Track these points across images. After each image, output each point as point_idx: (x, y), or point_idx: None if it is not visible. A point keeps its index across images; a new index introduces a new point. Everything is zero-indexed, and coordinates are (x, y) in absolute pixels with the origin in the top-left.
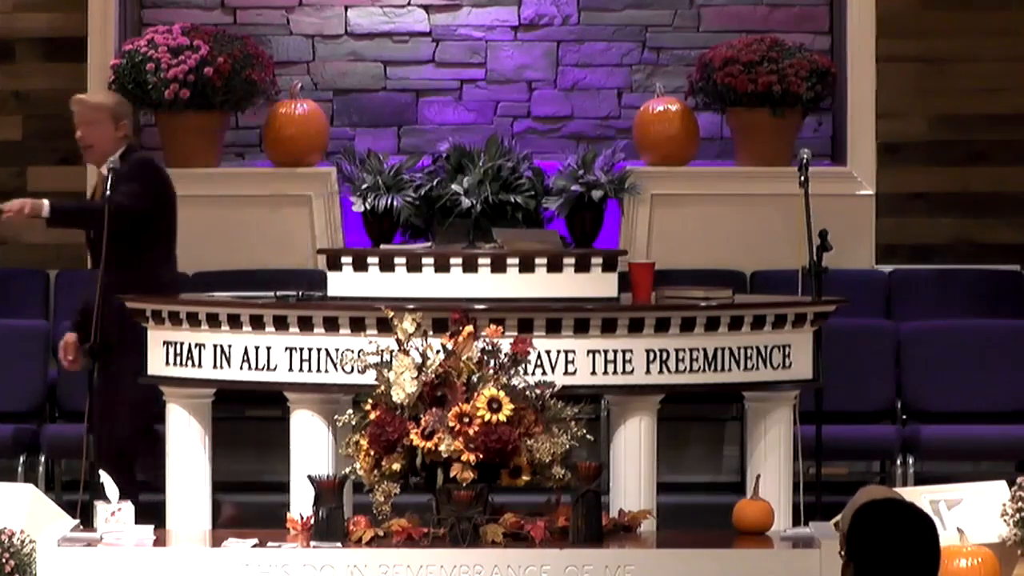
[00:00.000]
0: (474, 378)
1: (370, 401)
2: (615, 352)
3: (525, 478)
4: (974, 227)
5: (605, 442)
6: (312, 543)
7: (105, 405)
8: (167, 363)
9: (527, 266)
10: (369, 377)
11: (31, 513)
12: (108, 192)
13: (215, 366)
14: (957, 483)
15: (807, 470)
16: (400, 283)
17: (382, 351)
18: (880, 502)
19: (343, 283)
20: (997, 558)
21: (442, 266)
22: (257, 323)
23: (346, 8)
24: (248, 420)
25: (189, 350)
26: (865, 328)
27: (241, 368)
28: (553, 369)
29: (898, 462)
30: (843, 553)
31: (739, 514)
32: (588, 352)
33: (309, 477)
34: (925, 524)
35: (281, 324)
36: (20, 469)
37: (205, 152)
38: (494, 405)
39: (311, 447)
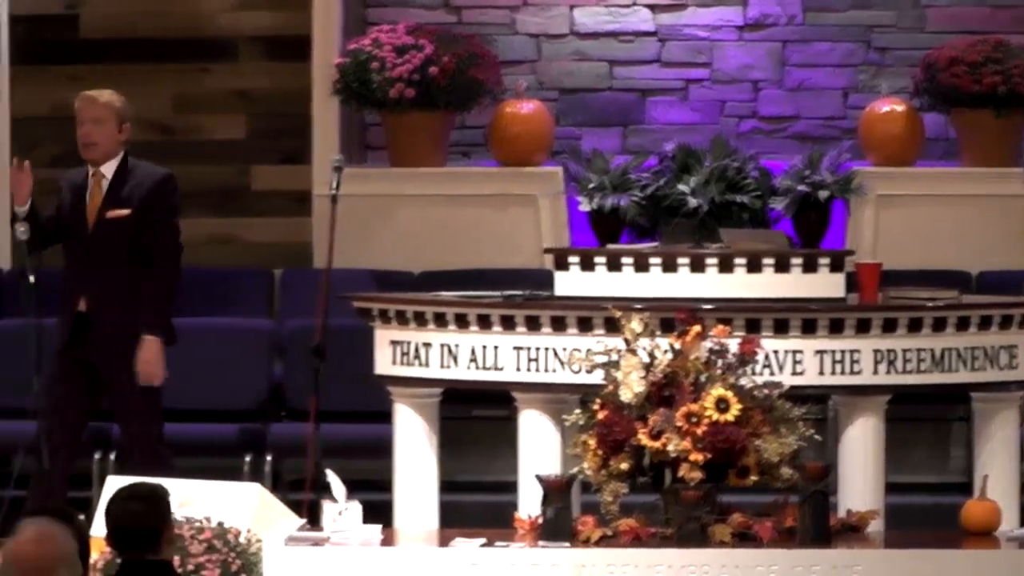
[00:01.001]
0: (702, 378)
1: (598, 401)
2: (842, 352)
3: (753, 478)
4: None
5: (832, 442)
6: (540, 543)
7: (140, 404)
8: (394, 362)
9: (754, 266)
10: (597, 377)
11: (257, 512)
12: (105, 199)
13: (442, 365)
14: None
15: None
16: (627, 283)
17: (610, 351)
18: None
19: (570, 283)
20: None
21: (670, 266)
22: (484, 323)
23: (571, 7)
24: (475, 420)
25: (416, 349)
26: None
27: (468, 368)
28: (780, 369)
29: None
30: None
31: (966, 515)
32: (815, 352)
33: (537, 477)
34: None
35: (508, 324)
36: (246, 468)
37: (430, 152)
38: (722, 405)
39: (539, 447)
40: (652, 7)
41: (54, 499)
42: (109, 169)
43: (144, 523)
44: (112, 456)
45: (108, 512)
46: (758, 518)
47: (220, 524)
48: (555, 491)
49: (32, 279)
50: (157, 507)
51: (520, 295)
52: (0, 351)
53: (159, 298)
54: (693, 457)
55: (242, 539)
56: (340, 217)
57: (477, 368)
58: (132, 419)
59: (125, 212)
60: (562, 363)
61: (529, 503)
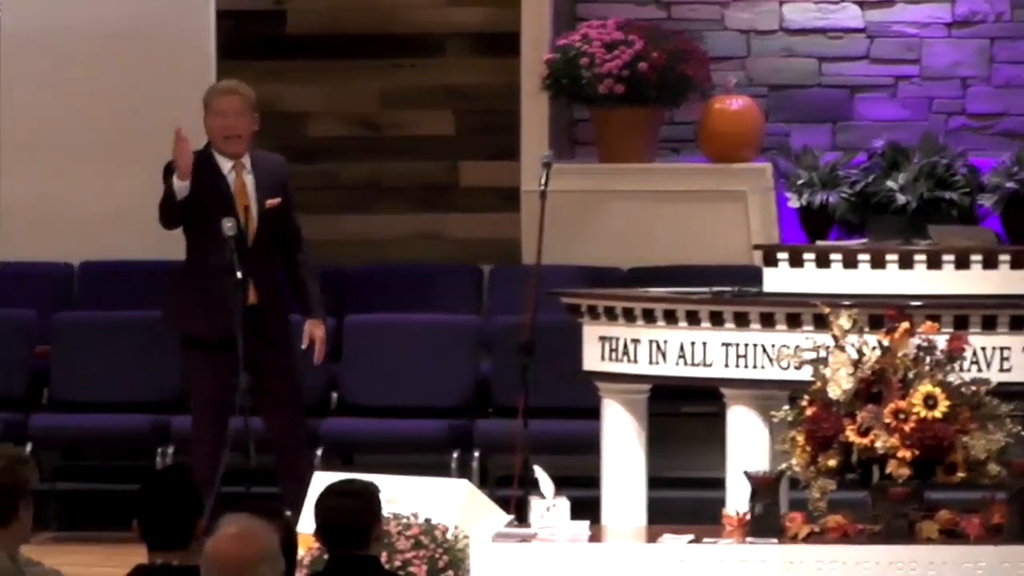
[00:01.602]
0: (910, 375)
1: (806, 397)
2: None
3: (960, 475)
4: None
5: None
6: (748, 539)
7: (299, 393)
8: (602, 358)
9: (962, 263)
10: (805, 373)
11: (465, 509)
12: (258, 189)
13: (651, 362)
14: None
15: None
16: (836, 279)
17: (818, 347)
18: None
19: (779, 279)
20: None
21: (878, 262)
22: (693, 319)
23: (780, 4)
24: (683, 416)
25: (625, 345)
26: None
27: (677, 364)
28: (988, 366)
29: None
30: None
31: None
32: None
33: (745, 473)
34: None
35: (717, 320)
36: (453, 464)
37: (639, 148)
38: (930, 402)
39: (747, 443)
40: (861, 4)
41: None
42: (247, 160)
43: (355, 520)
44: (318, 453)
45: (318, 508)
46: (965, 515)
47: (427, 520)
48: (764, 487)
49: (240, 275)
50: (368, 504)
51: (729, 291)
52: None
53: (317, 280)
54: (901, 454)
55: (449, 535)
56: (548, 213)
57: (686, 364)
58: (294, 408)
59: (278, 200)
60: (771, 359)
61: (737, 499)
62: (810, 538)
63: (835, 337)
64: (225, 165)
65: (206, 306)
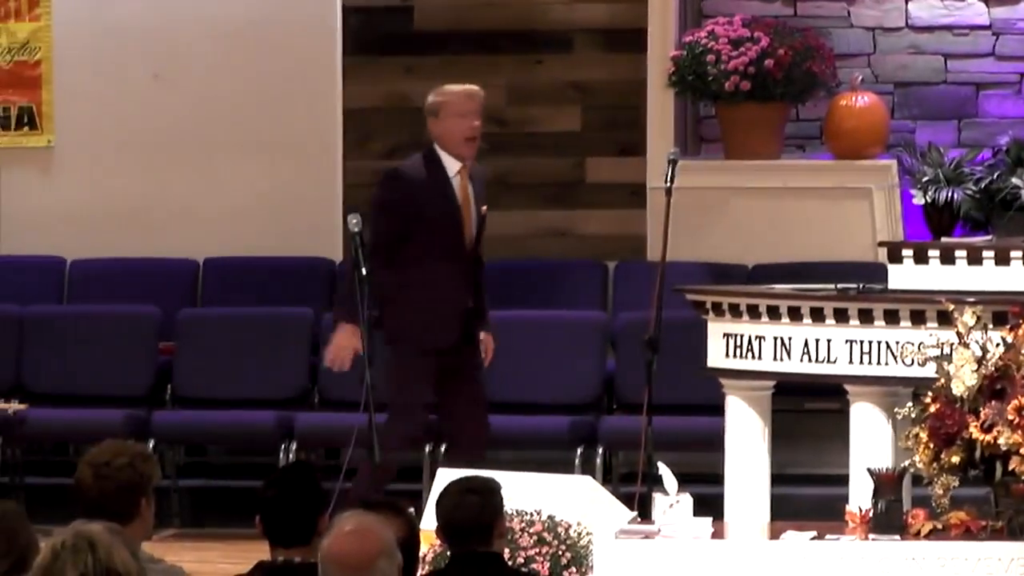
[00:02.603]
0: None
1: (930, 394)
2: None
3: None
4: None
5: None
6: (870, 536)
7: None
8: (727, 355)
9: None
10: (929, 370)
11: (588, 505)
12: (475, 195)
13: (775, 358)
14: None
15: None
16: (960, 276)
17: (942, 344)
18: None
19: (904, 276)
20: None
21: (1002, 259)
22: (817, 315)
23: (907, 1)
24: (806, 412)
25: (749, 342)
26: None
27: (801, 360)
28: None
29: None
30: None
31: None
32: None
33: (868, 470)
34: None
35: (841, 316)
36: (577, 461)
37: (766, 144)
38: None
39: (871, 440)
40: (987, 1)
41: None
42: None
43: (478, 517)
44: (442, 448)
45: (441, 505)
46: None
47: (551, 517)
48: (887, 484)
49: (365, 271)
50: (491, 501)
51: (853, 288)
52: None
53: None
54: None
55: (572, 532)
56: (674, 209)
57: (810, 361)
58: (483, 409)
59: (485, 208)
60: (895, 356)
61: (860, 496)
62: (932, 535)
63: (959, 334)
64: (452, 168)
65: (434, 315)
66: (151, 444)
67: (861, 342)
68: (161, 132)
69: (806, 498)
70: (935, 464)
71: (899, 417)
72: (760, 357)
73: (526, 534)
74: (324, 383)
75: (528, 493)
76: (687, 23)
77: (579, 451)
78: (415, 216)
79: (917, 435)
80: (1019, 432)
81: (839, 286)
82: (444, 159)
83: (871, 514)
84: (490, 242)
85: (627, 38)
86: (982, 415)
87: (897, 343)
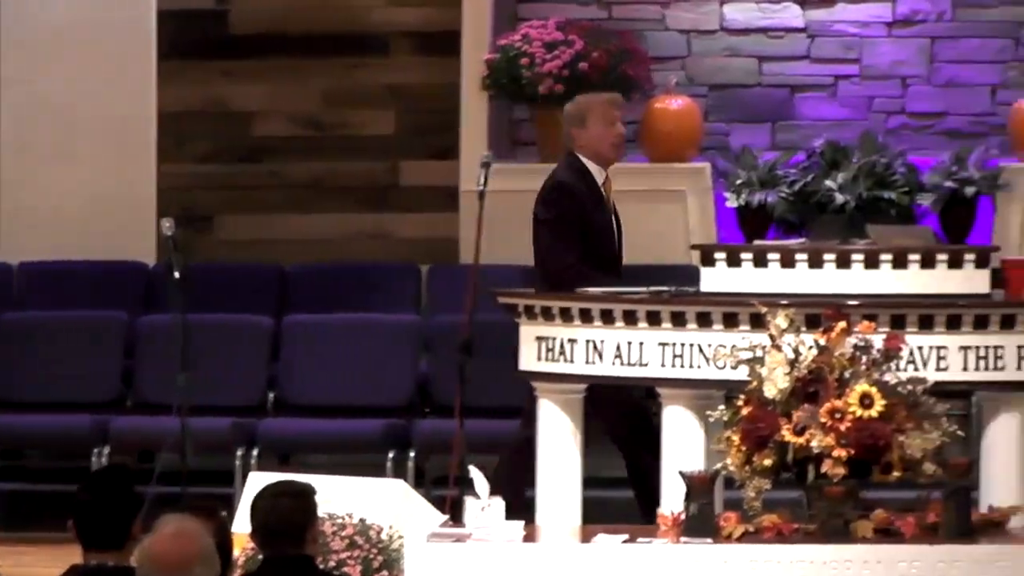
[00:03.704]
0: (846, 374)
1: (742, 397)
2: (987, 348)
3: (896, 474)
4: None
5: (976, 438)
6: (682, 539)
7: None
8: (539, 358)
9: (900, 262)
10: (741, 373)
11: (400, 509)
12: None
13: (587, 361)
14: None
15: None
16: (773, 279)
17: (755, 347)
18: None
19: (716, 279)
20: None
21: (816, 262)
22: (630, 318)
23: (721, 3)
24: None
25: (561, 345)
26: None
27: (613, 363)
28: (925, 365)
29: None
30: None
31: None
32: (960, 348)
33: (680, 472)
34: None
35: (654, 319)
36: (389, 464)
37: None
38: (866, 401)
39: (683, 442)
40: (802, 3)
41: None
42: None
43: (291, 520)
44: (255, 453)
45: (254, 509)
46: (901, 514)
47: (362, 520)
48: (699, 487)
49: (177, 275)
50: (304, 504)
51: (666, 291)
52: (146, 347)
53: None
54: (837, 453)
55: (384, 535)
56: (488, 213)
57: (622, 364)
58: None
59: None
60: (707, 359)
61: (672, 499)
62: (745, 537)
63: (772, 336)
64: (599, 177)
65: None
66: None
67: (673, 345)
68: None
69: (618, 501)
70: (747, 467)
71: (711, 420)
72: (572, 360)
73: (338, 537)
74: (139, 386)
75: (340, 497)
76: (502, 26)
77: (392, 454)
78: (584, 229)
79: (729, 438)
80: (832, 435)
81: (652, 289)
82: (590, 168)
83: (683, 517)
84: (304, 245)
85: (442, 41)
86: (794, 418)
87: (709, 346)
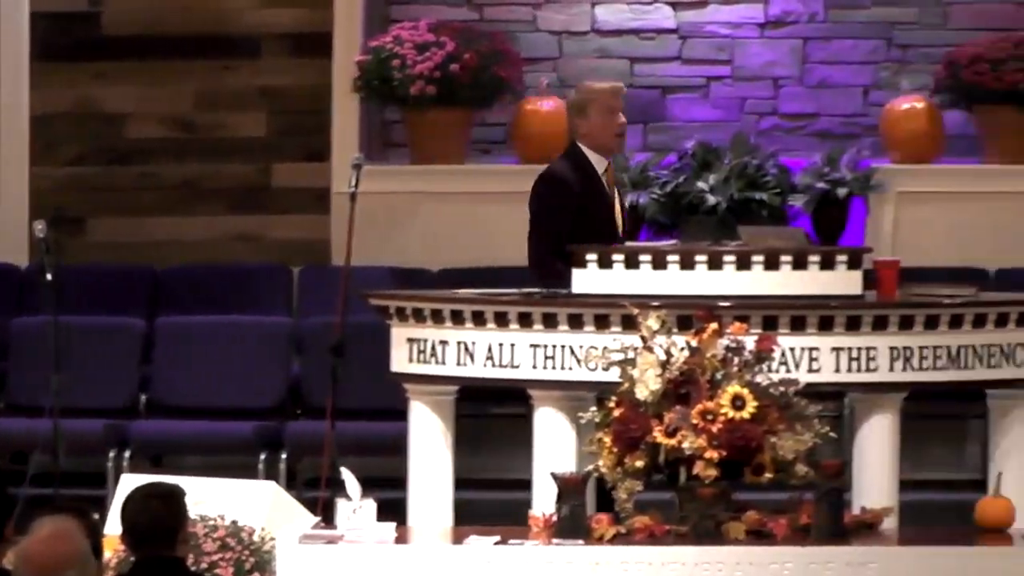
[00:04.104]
0: (718, 375)
1: (614, 398)
2: (859, 349)
3: (768, 475)
4: None
5: (848, 440)
6: (554, 540)
7: None
8: (410, 360)
9: (772, 263)
10: (613, 374)
11: (272, 510)
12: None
13: (459, 363)
14: None
15: None
16: (645, 280)
17: (626, 348)
18: None
19: (588, 280)
20: None
21: (687, 263)
22: (501, 320)
23: (593, 4)
24: (491, 417)
25: (433, 347)
26: None
27: (485, 365)
28: (797, 366)
29: None
30: None
31: (981, 512)
32: (832, 349)
33: (552, 474)
34: None
35: (526, 321)
36: (261, 466)
37: (451, 149)
38: (738, 402)
39: (554, 444)
40: (674, 4)
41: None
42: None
43: (161, 522)
44: (127, 455)
45: (125, 510)
46: (773, 515)
47: (234, 522)
48: (570, 489)
49: (50, 276)
50: (175, 506)
51: (538, 293)
52: (19, 349)
53: None
54: (708, 455)
55: (256, 537)
56: (360, 214)
57: (494, 366)
58: None
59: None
60: (579, 361)
61: (544, 501)
62: (616, 539)
63: (643, 338)
64: (600, 166)
65: None
66: None
67: (545, 346)
68: None
69: (490, 503)
70: (619, 468)
71: (583, 422)
72: (443, 362)
73: (210, 539)
74: (11, 388)
75: (212, 498)
76: (373, 28)
77: (263, 456)
78: (576, 220)
79: (601, 439)
80: (703, 436)
81: (523, 291)
82: (591, 157)
83: (555, 519)
84: (176, 247)
85: (313, 43)
86: (666, 419)
87: (581, 347)
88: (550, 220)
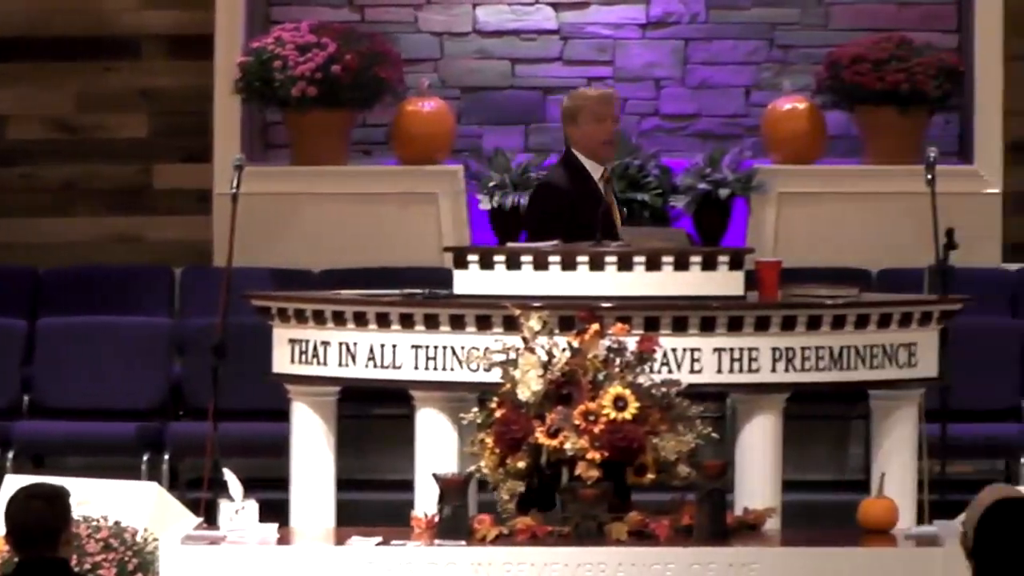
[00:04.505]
0: (600, 376)
1: (496, 399)
2: (741, 350)
3: (650, 476)
4: None
5: (730, 440)
6: (436, 541)
7: None
8: (292, 361)
9: (654, 264)
10: (495, 375)
11: (155, 511)
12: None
13: (340, 364)
14: None
15: (931, 468)
16: (527, 281)
17: (508, 349)
18: (1007, 500)
19: (469, 281)
20: None
21: (569, 264)
22: (383, 321)
23: (474, 6)
24: (373, 418)
25: (315, 348)
26: (991, 327)
27: (367, 366)
28: (679, 367)
29: (1022, 460)
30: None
31: (864, 512)
32: (714, 350)
33: (434, 475)
34: None
35: (407, 322)
36: (144, 467)
37: (332, 150)
38: (620, 403)
39: (436, 445)
40: (555, 5)
41: None
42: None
43: (44, 523)
44: (10, 455)
45: (8, 511)
46: (655, 516)
47: (117, 523)
48: (452, 489)
49: None
50: (58, 507)
51: (419, 293)
52: None
53: None
54: (590, 455)
55: (139, 538)
56: (242, 215)
57: (375, 367)
58: None
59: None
60: (460, 361)
61: (426, 501)
62: (498, 540)
63: (525, 339)
64: (596, 173)
65: None
66: None
67: (427, 347)
68: None
69: (372, 504)
70: (501, 469)
71: (465, 422)
72: (325, 363)
73: (93, 540)
74: None
75: (95, 499)
76: (255, 29)
77: (146, 457)
78: (570, 226)
79: (483, 440)
80: (585, 437)
81: (405, 291)
82: (586, 163)
83: (437, 519)
84: (58, 249)
85: (194, 44)
86: (548, 420)
87: (463, 348)
88: (542, 227)
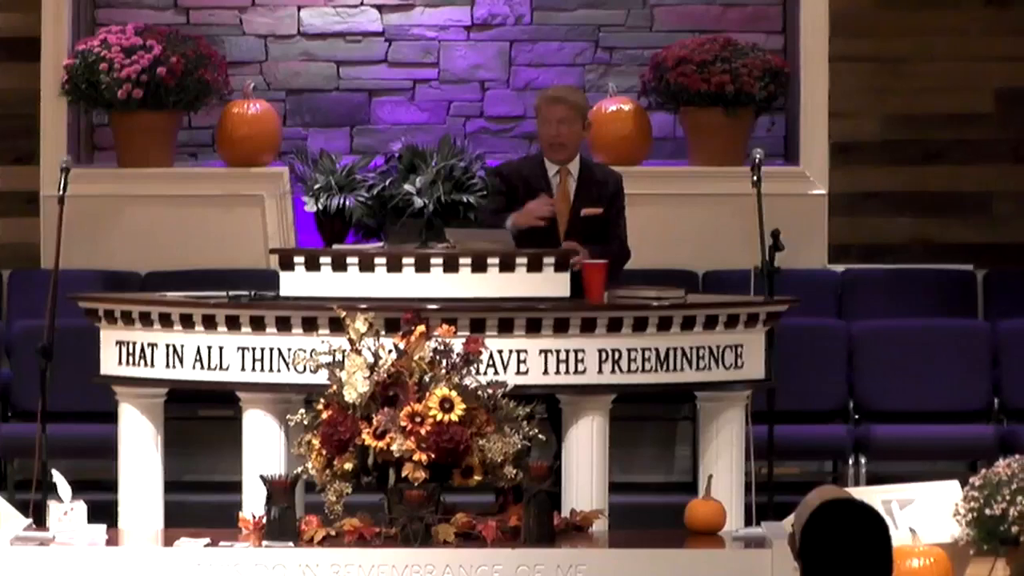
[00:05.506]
0: (426, 378)
1: (322, 401)
2: (567, 352)
3: (477, 478)
4: (929, 226)
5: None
6: (264, 543)
7: None
8: (119, 362)
9: (479, 266)
10: (321, 377)
11: None
12: (577, 197)
13: (167, 366)
14: (909, 483)
15: (759, 470)
16: (352, 283)
17: (334, 351)
18: (835, 502)
19: (295, 283)
20: (949, 558)
21: (394, 266)
22: (209, 323)
23: (299, 8)
24: (200, 420)
25: (142, 350)
26: (817, 328)
27: (193, 368)
28: (505, 369)
29: (850, 462)
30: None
31: (691, 514)
32: (540, 352)
33: (261, 477)
34: (877, 524)
35: (233, 324)
36: None
37: (158, 152)
38: (446, 405)
39: (263, 447)
40: (380, 7)
41: None
42: (575, 167)
43: None
44: None
45: None
46: (482, 518)
47: None
48: (279, 491)
49: None
50: None
51: (245, 295)
52: None
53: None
54: (417, 457)
55: None
56: (69, 218)
57: (202, 368)
58: None
59: (598, 211)
60: (287, 363)
61: (254, 503)
62: (326, 541)
63: (351, 340)
64: (551, 170)
65: None
66: None
67: (253, 349)
68: None
69: (200, 505)
70: (328, 471)
71: (291, 424)
72: (153, 365)
73: None
74: None
75: None
76: (81, 32)
77: None
78: (514, 208)
79: (310, 442)
80: (412, 439)
81: (231, 293)
82: (547, 161)
83: (264, 521)
84: None
85: (21, 47)
86: (375, 422)
87: (289, 350)
88: (487, 213)
